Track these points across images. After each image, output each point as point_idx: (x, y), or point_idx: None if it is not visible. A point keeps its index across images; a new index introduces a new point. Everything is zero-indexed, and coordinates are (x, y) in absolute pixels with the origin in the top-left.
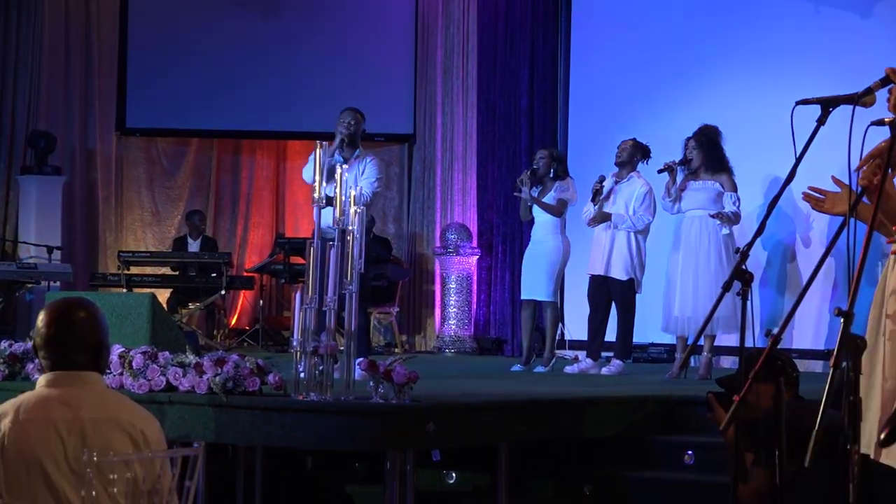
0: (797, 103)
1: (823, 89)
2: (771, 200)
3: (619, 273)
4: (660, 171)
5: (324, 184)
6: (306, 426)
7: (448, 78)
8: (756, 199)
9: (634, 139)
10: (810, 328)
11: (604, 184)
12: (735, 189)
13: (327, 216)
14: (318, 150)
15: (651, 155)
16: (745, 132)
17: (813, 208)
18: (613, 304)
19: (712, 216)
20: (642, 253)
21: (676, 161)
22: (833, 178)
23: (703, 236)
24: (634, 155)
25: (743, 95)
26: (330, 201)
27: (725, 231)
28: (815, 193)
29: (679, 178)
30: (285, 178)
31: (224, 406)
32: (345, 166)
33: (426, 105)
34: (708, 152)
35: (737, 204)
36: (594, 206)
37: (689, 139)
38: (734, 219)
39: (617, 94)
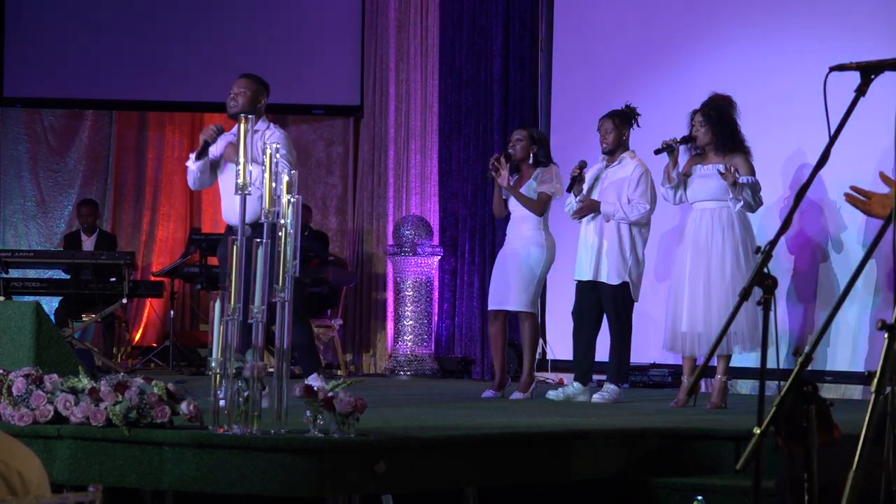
0: (831, 69)
1: (857, 52)
2: (799, 189)
3: (610, 276)
4: (657, 152)
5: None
6: (227, 466)
7: (403, 36)
8: (776, 186)
9: (614, 114)
10: (847, 345)
11: (584, 170)
12: (753, 173)
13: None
14: (242, 125)
15: (639, 113)
16: (763, 103)
17: (859, 210)
18: (605, 317)
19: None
20: (639, 251)
21: (677, 139)
22: (881, 174)
23: (714, 233)
24: (622, 134)
25: (763, 59)
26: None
27: (738, 205)
28: (857, 195)
29: (683, 160)
30: None
31: (126, 441)
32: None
33: (376, 70)
34: (719, 129)
35: (756, 187)
36: (575, 197)
37: (694, 112)
38: (753, 199)
39: (612, 56)
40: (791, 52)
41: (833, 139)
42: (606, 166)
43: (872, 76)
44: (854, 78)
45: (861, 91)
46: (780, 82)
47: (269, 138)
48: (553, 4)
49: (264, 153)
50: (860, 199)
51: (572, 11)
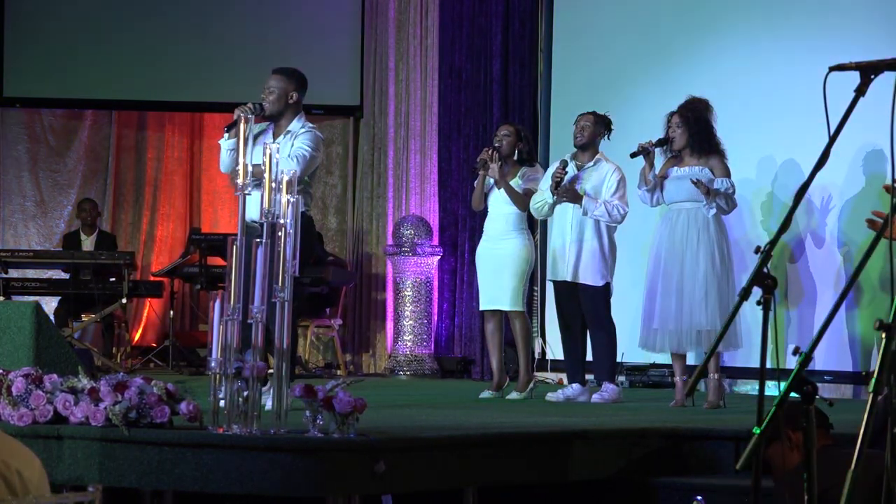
0: (831, 69)
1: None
2: (798, 189)
3: (592, 278)
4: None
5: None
6: (227, 466)
7: (403, 36)
8: (749, 184)
9: (594, 112)
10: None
11: (567, 170)
12: (728, 174)
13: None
14: (242, 125)
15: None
16: (759, 104)
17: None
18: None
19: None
20: (615, 252)
21: (652, 141)
22: (885, 186)
23: (690, 233)
24: (598, 133)
25: (761, 60)
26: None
27: (712, 212)
28: (878, 219)
29: (659, 162)
30: (201, 159)
31: (126, 441)
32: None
33: (375, 70)
34: (695, 131)
35: (730, 191)
36: (553, 196)
37: (671, 114)
38: (726, 204)
39: (611, 57)
40: (785, 54)
41: (833, 139)
42: (579, 168)
43: (872, 76)
44: (850, 78)
45: (861, 91)
46: (768, 83)
47: (297, 139)
48: (553, 4)
49: (290, 157)
50: (880, 223)
51: (572, 12)
